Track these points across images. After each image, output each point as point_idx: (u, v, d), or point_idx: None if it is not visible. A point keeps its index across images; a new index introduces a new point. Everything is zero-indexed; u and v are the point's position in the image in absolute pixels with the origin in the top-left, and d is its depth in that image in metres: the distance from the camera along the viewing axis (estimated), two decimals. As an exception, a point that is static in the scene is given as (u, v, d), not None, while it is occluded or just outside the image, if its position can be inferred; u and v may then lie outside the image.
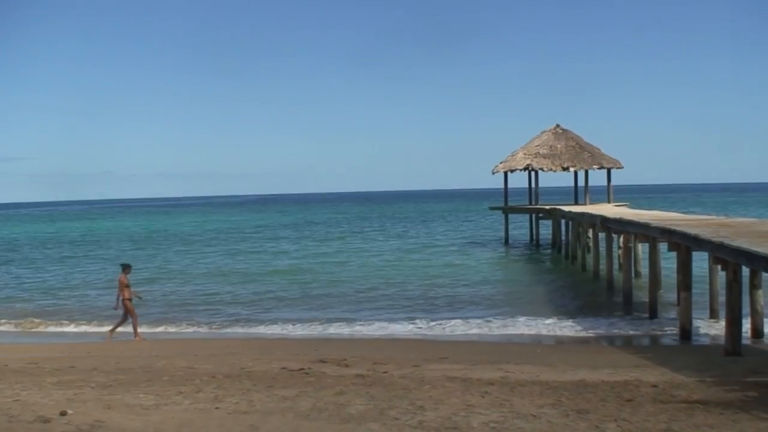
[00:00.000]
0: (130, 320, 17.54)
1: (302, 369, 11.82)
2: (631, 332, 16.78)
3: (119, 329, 17.59)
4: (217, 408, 9.28)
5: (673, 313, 17.54)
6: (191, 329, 19.26)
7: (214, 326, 19.43)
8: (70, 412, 9.09)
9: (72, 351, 15.04)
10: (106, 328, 19.54)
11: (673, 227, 15.59)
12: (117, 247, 49.71)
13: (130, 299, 17.47)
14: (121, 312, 17.56)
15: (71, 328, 19.85)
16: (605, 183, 39.85)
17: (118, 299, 17.56)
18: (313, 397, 9.71)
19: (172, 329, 19.29)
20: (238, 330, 18.93)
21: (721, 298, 14.77)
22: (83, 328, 19.75)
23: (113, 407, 9.41)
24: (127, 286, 17.50)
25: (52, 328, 19.96)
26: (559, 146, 39.65)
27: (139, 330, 17.64)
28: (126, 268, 17.83)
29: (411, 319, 19.18)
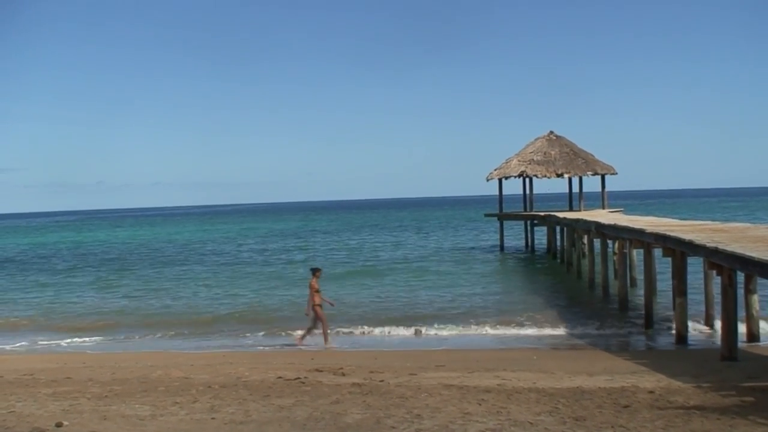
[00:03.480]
0: (320, 326, 16.92)
1: (298, 378, 11.80)
2: (627, 338, 16.78)
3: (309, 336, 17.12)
4: (213, 418, 9.27)
5: (668, 319, 17.57)
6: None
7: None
8: (65, 423, 9.08)
9: (67, 362, 14.98)
10: (103, 339, 19.52)
11: (667, 233, 15.61)
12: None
13: (320, 305, 16.82)
14: (312, 317, 16.97)
15: (67, 339, 19.73)
16: (599, 189, 39.96)
17: (309, 304, 16.84)
18: (309, 407, 9.71)
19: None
20: (228, 342, 18.86)
21: (717, 304, 14.81)
22: (81, 339, 19.64)
23: (109, 418, 9.39)
24: (318, 290, 16.85)
25: (46, 340, 19.84)
26: (553, 153, 39.75)
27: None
28: (316, 271, 17.26)
29: (406, 328, 19.13)
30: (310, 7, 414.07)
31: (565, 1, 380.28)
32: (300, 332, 17.59)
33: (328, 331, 17.09)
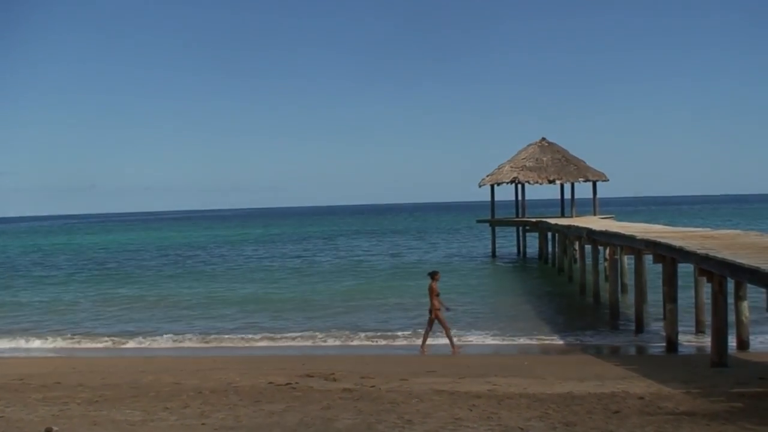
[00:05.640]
0: (435, 330, 16.62)
1: (289, 383, 11.79)
2: (618, 344, 16.83)
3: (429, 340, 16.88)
4: (203, 424, 9.25)
5: (659, 325, 17.64)
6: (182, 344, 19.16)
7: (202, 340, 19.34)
8: (55, 428, 9.05)
9: (57, 367, 14.92)
10: (93, 344, 19.46)
11: (658, 239, 15.68)
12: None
13: (439, 309, 16.51)
14: (430, 320, 16.63)
15: (58, 344, 19.67)
16: (591, 195, 40.12)
17: (441, 307, 16.46)
18: (300, 412, 9.70)
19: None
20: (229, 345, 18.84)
21: (707, 310, 14.87)
22: (68, 344, 19.58)
23: (99, 423, 9.37)
24: (437, 294, 16.56)
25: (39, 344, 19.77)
26: (545, 159, 39.96)
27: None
28: (435, 274, 16.93)
29: (397, 334, 19.13)
30: (306, 12, 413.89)
31: (557, 9, 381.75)
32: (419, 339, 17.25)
33: (453, 338, 16.68)
